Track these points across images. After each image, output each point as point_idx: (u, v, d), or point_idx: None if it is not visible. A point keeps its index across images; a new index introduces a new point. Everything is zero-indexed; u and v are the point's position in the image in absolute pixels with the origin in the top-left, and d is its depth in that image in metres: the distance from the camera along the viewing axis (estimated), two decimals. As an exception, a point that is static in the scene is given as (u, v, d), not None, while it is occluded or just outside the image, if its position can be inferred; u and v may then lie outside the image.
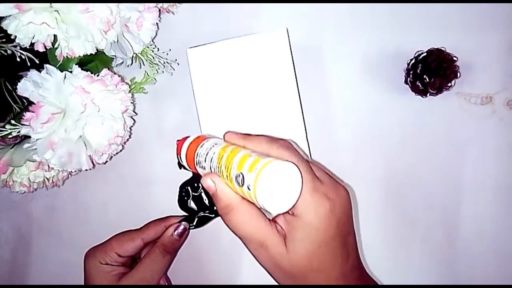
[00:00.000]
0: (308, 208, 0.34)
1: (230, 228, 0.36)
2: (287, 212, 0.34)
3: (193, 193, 0.47)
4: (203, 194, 0.47)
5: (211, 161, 0.37)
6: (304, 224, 0.34)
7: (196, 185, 0.47)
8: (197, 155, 0.38)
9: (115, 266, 0.46)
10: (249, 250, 0.36)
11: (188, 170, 0.42)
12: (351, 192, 0.48)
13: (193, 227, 0.48)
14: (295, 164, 0.33)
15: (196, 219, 0.48)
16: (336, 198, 0.35)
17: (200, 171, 0.39)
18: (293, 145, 0.37)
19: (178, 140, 0.42)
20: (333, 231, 0.34)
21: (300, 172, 0.33)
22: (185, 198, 0.47)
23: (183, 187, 0.47)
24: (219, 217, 0.47)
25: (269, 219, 0.36)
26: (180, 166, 0.44)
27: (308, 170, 0.35)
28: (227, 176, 0.34)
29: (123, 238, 0.47)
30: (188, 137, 0.41)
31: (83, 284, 0.56)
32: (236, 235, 0.36)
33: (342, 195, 0.36)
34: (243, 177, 0.33)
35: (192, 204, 0.48)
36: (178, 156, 0.41)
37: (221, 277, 0.54)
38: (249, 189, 0.32)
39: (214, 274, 0.54)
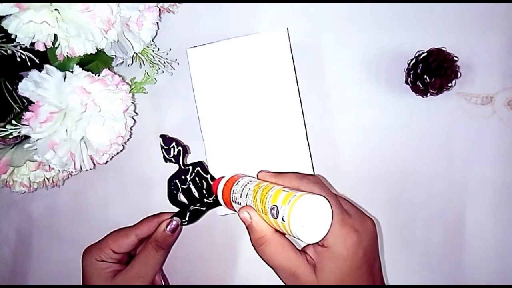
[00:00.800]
0: (338, 239, 0.37)
1: (263, 259, 0.38)
2: (317, 243, 0.37)
3: (181, 186, 0.48)
4: (192, 187, 0.48)
5: (246, 196, 0.40)
6: (334, 255, 0.37)
7: (183, 177, 0.48)
8: (233, 191, 0.41)
9: (110, 263, 0.46)
10: (281, 279, 0.39)
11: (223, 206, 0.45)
12: (377, 222, 0.49)
13: (185, 222, 0.48)
14: (326, 198, 0.36)
15: (188, 213, 0.48)
16: (363, 230, 0.38)
17: (235, 206, 0.42)
18: (322, 180, 0.41)
19: (214, 180, 0.47)
20: (360, 260, 0.37)
21: (330, 205, 0.36)
22: (175, 192, 0.48)
23: (171, 180, 0.48)
24: (211, 212, 0.48)
25: (299, 250, 0.38)
26: (166, 160, 0.47)
27: (337, 204, 0.38)
28: (261, 209, 0.37)
29: (117, 234, 0.48)
30: (223, 177, 0.44)
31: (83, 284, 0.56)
32: (268, 265, 0.38)
33: (369, 226, 0.39)
34: (277, 209, 0.35)
35: (182, 198, 0.48)
36: (215, 196, 0.44)
37: (220, 276, 0.54)
38: (283, 220, 0.35)
39: (213, 273, 0.54)
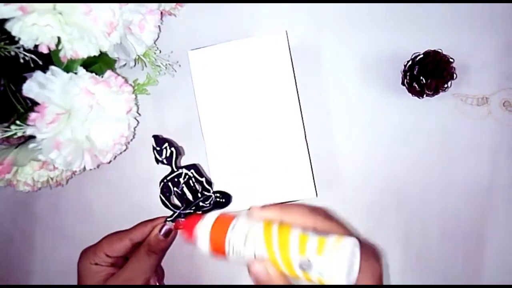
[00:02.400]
0: (366, 272, 0.36)
1: None
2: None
3: (174, 189, 0.47)
4: (185, 190, 0.47)
5: (254, 246, 0.35)
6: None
7: (176, 180, 0.46)
8: (229, 242, 0.36)
9: (104, 267, 0.46)
10: None
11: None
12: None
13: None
14: (356, 238, 0.34)
15: (183, 217, 0.47)
16: (376, 256, 0.38)
17: (232, 256, 0.36)
18: (332, 213, 0.40)
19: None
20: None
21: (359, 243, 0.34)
22: (167, 194, 0.47)
23: (163, 182, 0.47)
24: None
25: None
26: (158, 161, 0.46)
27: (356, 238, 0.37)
28: (283, 262, 0.34)
29: (112, 238, 0.47)
30: (200, 216, 0.39)
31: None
32: None
33: (377, 251, 0.40)
34: (309, 262, 0.33)
35: (175, 201, 0.47)
36: (188, 239, 0.39)
37: (220, 276, 0.55)
38: (321, 274, 0.32)
39: (213, 273, 0.55)
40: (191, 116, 0.53)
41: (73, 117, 0.42)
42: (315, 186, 0.49)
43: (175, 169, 0.47)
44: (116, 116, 0.45)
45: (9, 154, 0.46)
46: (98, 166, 0.47)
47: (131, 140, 0.52)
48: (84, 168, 0.45)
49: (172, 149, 0.46)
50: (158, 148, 0.46)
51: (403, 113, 0.53)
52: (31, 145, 0.43)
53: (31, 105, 0.46)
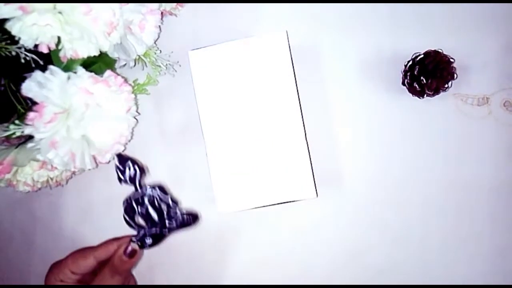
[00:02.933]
0: None
1: None
2: None
3: (139, 208, 0.46)
4: (150, 209, 0.46)
5: None
6: None
7: (140, 200, 0.45)
8: None
9: (69, 284, 0.45)
10: None
11: None
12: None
13: (147, 246, 0.45)
14: None
15: (148, 238, 0.45)
16: None
17: None
18: None
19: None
20: None
21: None
22: (131, 214, 0.45)
23: (126, 202, 0.46)
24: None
25: None
26: (120, 180, 0.45)
27: None
28: None
29: (76, 255, 0.46)
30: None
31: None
32: None
33: None
34: None
35: (140, 220, 0.46)
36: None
37: (220, 276, 0.55)
38: None
39: (213, 273, 0.55)
40: (191, 116, 0.53)
41: (71, 117, 0.42)
42: (315, 186, 0.49)
43: (139, 189, 0.46)
44: (115, 115, 0.45)
45: (9, 154, 0.46)
46: (97, 166, 0.46)
47: (131, 140, 0.52)
48: (84, 168, 0.45)
49: (136, 167, 0.45)
50: (121, 167, 0.46)
51: (404, 113, 0.53)
52: (30, 145, 0.43)
53: (31, 105, 0.46)
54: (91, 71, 0.43)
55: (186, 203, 0.48)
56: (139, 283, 0.52)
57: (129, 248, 0.45)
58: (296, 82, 0.48)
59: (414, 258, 0.53)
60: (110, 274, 0.44)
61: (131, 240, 0.45)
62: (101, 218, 0.56)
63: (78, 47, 0.41)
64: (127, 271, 0.45)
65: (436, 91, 0.49)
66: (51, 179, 0.50)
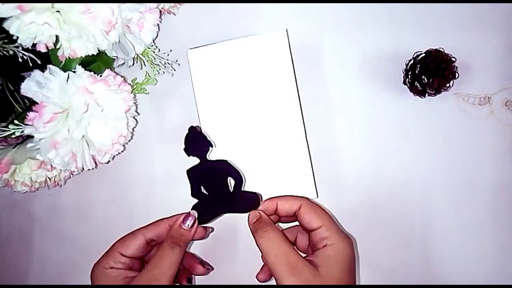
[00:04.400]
0: (339, 239, 0.41)
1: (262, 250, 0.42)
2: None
3: (202, 180, 0.46)
4: (213, 183, 0.46)
5: None
6: (337, 251, 0.41)
7: (206, 173, 0.46)
8: None
9: (121, 270, 0.43)
10: (276, 274, 0.40)
11: None
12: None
13: (204, 220, 0.45)
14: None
15: (206, 211, 0.45)
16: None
17: None
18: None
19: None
20: (353, 263, 0.42)
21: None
22: (195, 184, 0.46)
23: (191, 172, 0.46)
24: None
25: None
26: (188, 153, 0.46)
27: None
28: None
29: (125, 236, 0.45)
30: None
31: (84, 284, 0.56)
32: (266, 258, 0.41)
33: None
34: None
35: (204, 190, 0.46)
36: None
37: (220, 276, 0.55)
38: None
39: (213, 273, 0.55)
40: (190, 115, 0.53)
41: (71, 117, 0.42)
42: (315, 186, 0.49)
43: (205, 162, 0.46)
44: (115, 115, 0.44)
45: (7, 154, 0.46)
46: (96, 166, 0.46)
47: (130, 139, 0.52)
48: (83, 168, 0.44)
49: (205, 140, 0.46)
50: (190, 139, 0.46)
51: (405, 112, 0.53)
52: (29, 145, 0.42)
53: (29, 104, 0.46)
54: (89, 70, 0.43)
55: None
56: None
57: (189, 218, 0.45)
58: (296, 81, 0.48)
59: (415, 258, 0.53)
60: (170, 245, 0.43)
61: (191, 209, 0.46)
62: (99, 218, 0.56)
63: (76, 46, 0.41)
64: (186, 243, 0.44)
65: (437, 91, 0.49)
66: (49, 179, 0.50)
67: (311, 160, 0.48)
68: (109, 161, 0.48)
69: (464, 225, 0.52)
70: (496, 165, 0.52)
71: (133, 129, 0.50)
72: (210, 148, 0.47)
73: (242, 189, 0.47)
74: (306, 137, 0.48)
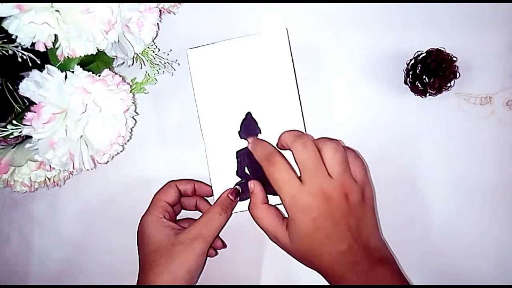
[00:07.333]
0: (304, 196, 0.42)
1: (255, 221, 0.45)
2: None
3: (247, 161, 0.49)
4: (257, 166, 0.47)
5: None
6: (301, 207, 0.42)
7: (251, 155, 0.48)
8: None
9: (169, 221, 0.48)
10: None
11: None
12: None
13: (242, 198, 0.49)
14: None
15: (245, 190, 0.49)
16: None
17: None
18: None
19: None
20: (332, 218, 0.42)
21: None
22: (241, 163, 0.49)
23: (241, 151, 0.49)
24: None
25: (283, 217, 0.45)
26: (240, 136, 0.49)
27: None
28: None
29: (162, 188, 0.50)
30: None
31: (84, 284, 0.56)
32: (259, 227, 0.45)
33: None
34: None
35: (247, 170, 0.49)
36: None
37: (220, 276, 0.55)
38: None
39: (213, 273, 0.55)
40: (190, 115, 0.53)
41: (69, 117, 0.41)
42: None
43: None
44: (114, 115, 0.44)
45: (7, 154, 0.46)
46: (95, 167, 0.46)
47: (129, 139, 0.52)
48: (82, 168, 0.44)
49: (256, 127, 0.49)
50: (243, 125, 0.49)
51: (406, 112, 0.52)
52: (28, 145, 0.42)
53: (28, 104, 0.46)
54: (88, 70, 0.43)
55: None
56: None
57: (236, 191, 0.49)
58: (296, 80, 0.48)
59: (415, 257, 0.53)
60: (219, 212, 0.47)
61: (236, 184, 0.50)
62: (98, 218, 0.56)
63: (75, 46, 0.41)
64: (231, 212, 0.48)
65: (438, 90, 0.49)
66: (49, 179, 0.50)
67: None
68: (108, 161, 0.47)
69: (464, 225, 0.52)
70: (497, 164, 0.52)
71: (131, 129, 0.50)
72: (259, 134, 0.49)
73: None
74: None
